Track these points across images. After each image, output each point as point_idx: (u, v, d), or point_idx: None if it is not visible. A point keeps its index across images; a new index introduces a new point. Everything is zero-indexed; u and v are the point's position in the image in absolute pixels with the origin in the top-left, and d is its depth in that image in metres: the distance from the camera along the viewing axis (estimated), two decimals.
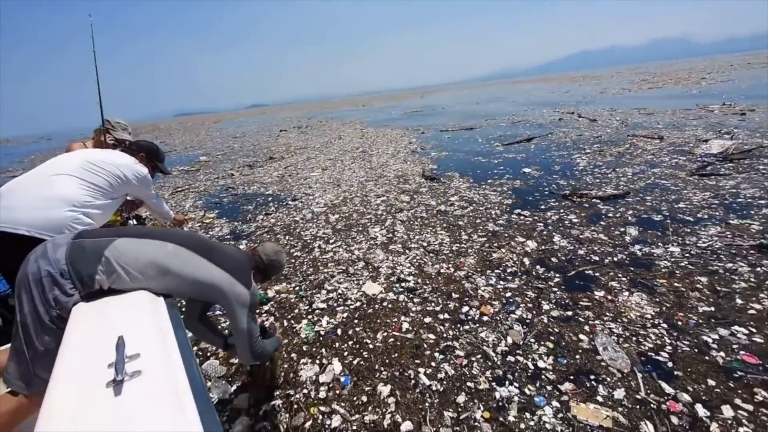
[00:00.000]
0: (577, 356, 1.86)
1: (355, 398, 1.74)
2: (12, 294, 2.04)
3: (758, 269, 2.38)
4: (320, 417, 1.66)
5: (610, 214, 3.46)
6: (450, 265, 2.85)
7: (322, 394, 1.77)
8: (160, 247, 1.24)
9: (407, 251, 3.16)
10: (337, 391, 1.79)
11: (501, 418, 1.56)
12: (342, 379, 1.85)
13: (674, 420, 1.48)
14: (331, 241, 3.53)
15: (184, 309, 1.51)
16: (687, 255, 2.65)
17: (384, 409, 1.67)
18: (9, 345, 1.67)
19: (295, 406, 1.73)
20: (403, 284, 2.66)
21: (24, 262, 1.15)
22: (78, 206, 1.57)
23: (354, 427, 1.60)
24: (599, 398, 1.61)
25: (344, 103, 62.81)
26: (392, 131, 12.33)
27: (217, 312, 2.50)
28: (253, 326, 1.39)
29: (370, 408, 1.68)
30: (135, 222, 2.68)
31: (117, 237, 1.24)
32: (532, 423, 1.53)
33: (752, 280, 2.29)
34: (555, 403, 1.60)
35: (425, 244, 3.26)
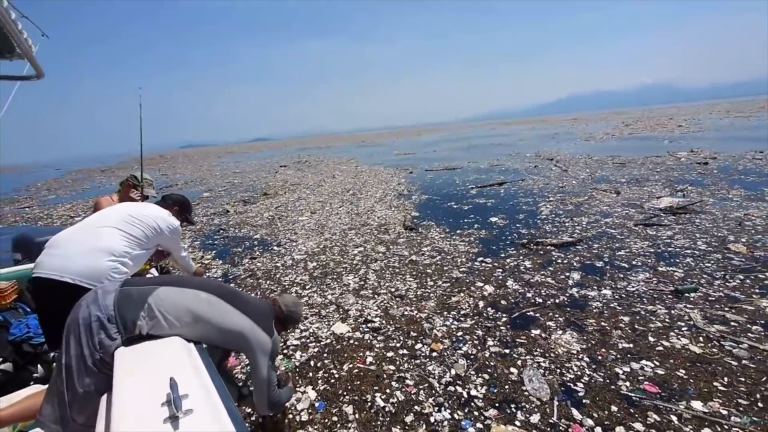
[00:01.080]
0: (506, 386, 2.22)
1: (327, 420, 2.08)
2: (28, 339, 2.20)
3: (672, 311, 2.81)
4: None
5: (560, 260, 3.90)
6: (413, 308, 3.23)
7: (304, 418, 2.11)
8: (195, 296, 1.34)
9: (376, 296, 3.52)
10: (312, 415, 2.12)
11: None
12: (316, 404, 2.20)
13: None
14: (307, 287, 3.88)
15: None
16: (616, 297, 3.07)
17: (348, 426, 2.02)
18: (24, 390, 1.85)
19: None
20: (369, 324, 3.02)
21: (75, 307, 1.25)
22: (117, 256, 1.70)
23: None
24: (517, 422, 1.97)
25: (345, 138, 65.09)
26: (384, 170, 13.04)
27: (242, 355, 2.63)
28: (272, 375, 1.43)
29: (339, 426, 2.03)
30: (157, 272, 2.78)
31: (159, 285, 1.34)
32: None
33: (666, 320, 2.70)
34: (479, 425, 1.96)
35: (393, 290, 3.62)
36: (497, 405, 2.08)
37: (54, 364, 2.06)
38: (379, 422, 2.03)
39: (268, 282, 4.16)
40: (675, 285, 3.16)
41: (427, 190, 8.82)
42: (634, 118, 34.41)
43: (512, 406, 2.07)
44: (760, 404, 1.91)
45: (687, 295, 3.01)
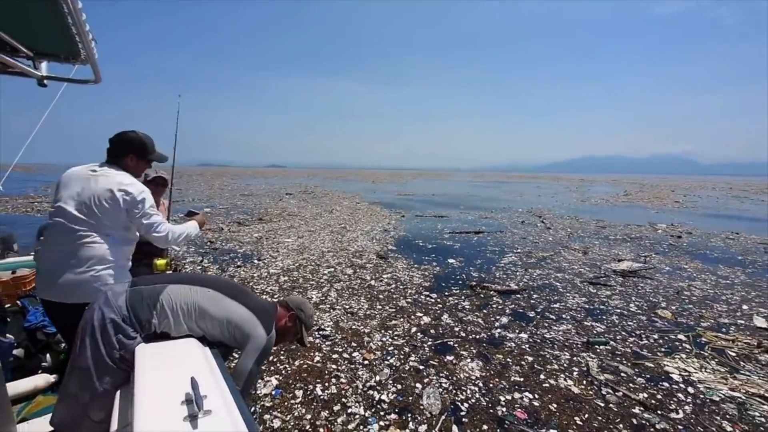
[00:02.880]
0: (410, 397, 2.59)
1: (286, 402, 2.50)
2: (42, 327, 2.28)
3: (574, 358, 3.14)
4: (267, 421, 2.37)
5: (496, 305, 4.27)
6: (360, 324, 3.69)
7: (268, 403, 2.50)
8: (202, 293, 1.40)
9: (332, 310, 4.00)
10: (273, 401, 2.52)
11: (349, 426, 2.30)
12: (273, 392, 2.61)
13: None
14: (274, 297, 4.35)
15: None
16: (530, 341, 3.43)
17: (294, 408, 2.45)
18: (32, 378, 1.95)
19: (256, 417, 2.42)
20: (321, 332, 3.49)
21: (88, 310, 1.30)
22: (98, 266, 1.60)
23: (289, 423, 2.32)
24: (408, 429, 2.31)
25: (358, 174, 67.08)
26: (380, 211, 13.66)
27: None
28: (255, 373, 1.40)
29: (295, 408, 2.45)
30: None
31: (168, 283, 1.40)
32: None
33: (564, 365, 3.04)
34: (382, 423, 2.32)
35: (347, 307, 4.10)
36: (398, 411, 2.45)
37: (63, 354, 2.29)
38: (314, 406, 2.47)
39: None
40: (588, 337, 3.50)
41: (409, 230, 9.34)
42: (639, 186, 35.06)
43: (409, 414, 2.42)
44: None
45: (597, 347, 3.35)
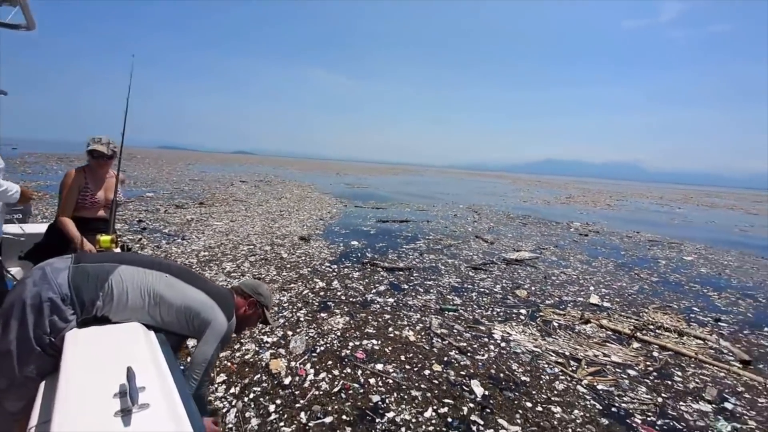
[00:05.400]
0: (284, 340, 3.14)
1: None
2: None
3: (423, 318, 3.78)
4: None
5: (379, 278, 4.89)
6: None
7: None
8: (158, 278, 1.31)
9: (242, 277, 4.54)
10: None
11: (245, 357, 2.78)
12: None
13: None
14: (193, 268, 4.69)
15: None
16: (394, 304, 4.05)
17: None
18: None
19: None
20: None
21: (18, 287, 1.15)
22: None
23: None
24: (283, 361, 2.80)
25: (322, 166, 66.66)
26: (328, 200, 14.08)
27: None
28: (214, 360, 1.37)
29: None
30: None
31: (119, 263, 1.28)
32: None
33: (413, 322, 3.66)
34: (268, 354, 2.80)
35: (257, 274, 4.65)
36: (278, 347, 3.02)
37: None
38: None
39: None
40: (441, 305, 4.18)
41: (343, 219, 9.86)
42: (583, 191, 37.74)
43: (282, 351, 2.97)
44: (408, 366, 2.87)
45: (446, 312, 4.02)
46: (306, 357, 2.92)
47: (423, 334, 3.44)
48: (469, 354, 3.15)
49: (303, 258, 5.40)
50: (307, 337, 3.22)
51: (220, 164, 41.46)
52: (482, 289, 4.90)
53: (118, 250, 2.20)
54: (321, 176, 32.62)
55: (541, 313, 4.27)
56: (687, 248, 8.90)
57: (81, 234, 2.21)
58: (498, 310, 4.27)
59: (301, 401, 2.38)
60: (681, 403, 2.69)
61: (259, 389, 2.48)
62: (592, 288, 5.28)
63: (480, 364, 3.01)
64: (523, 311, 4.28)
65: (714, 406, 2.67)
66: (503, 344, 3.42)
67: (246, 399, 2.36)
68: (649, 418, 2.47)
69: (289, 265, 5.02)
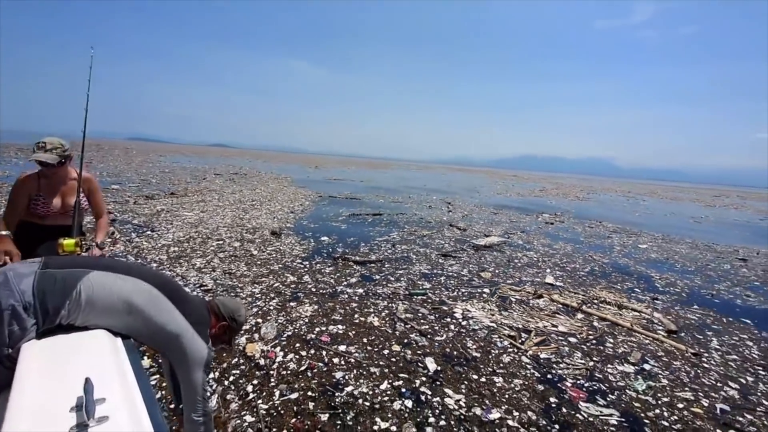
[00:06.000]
0: (255, 326, 3.28)
1: None
2: None
3: (390, 304, 3.99)
4: None
5: (350, 271, 5.05)
6: (235, 281, 4.33)
7: None
8: (135, 285, 1.22)
9: (212, 272, 4.56)
10: None
11: None
12: None
13: None
14: (162, 265, 4.71)
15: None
16: (363, 294, 4.24)
17: None
18: None
19: None
20: (202, 287, 4.07)
21: None
22: None
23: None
24: (258, 344, 2.93)
25: (303, 159, 65.91)
26: (302, 192, 14.09)
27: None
28: (206, 385, 1.35)
29: None
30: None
31: (92, 269, 1.19)
32: None
33: (379, 309, 3.86)
34: (243, 339, 2.92)
35: (227, 270, 4.68)
36: (250, 333, 3.16)
37: None
38: None
39: (132, 258, 4.90)
40: (410, 290, 4.42)
41: (315, 211, 9.93)
42: (557, 185, 39.10)
43: (256, 335, 3.11)
44: (369, 348, 3.08)
45: (415, 297, 4.25)
46: (276, 341, 3.09)
47: (387, 319, 3.66)
48: (428, 336, 3.37)
49: (274, 255, 5.46)
50: (277, 324, 3.37)
51: (196, 156, 40.29)
52: (451, 274, 5.17)
53: (85, 254, 2.07)
54: (299, 169, 32.33)
55: (500, 290, 4.60)
56: (644, 237, 9.53)
57: (40, 240, 2.13)
58: (463, 290, 4.56)
59: (273, 381, 2.56)
60: (608, 366, 3.04)
61: (237, 371, 2.63)
62: (548, 270, 5.66)
63: (437, 344, 3.24)
64: (486, 290, 4.59)
65: (636, 367, 3.03)
66: (464, 322, 3.68)
67: (226, 383, 2.51)
68: (578, 381, 2.79)
69: (259, 262, 5.08)
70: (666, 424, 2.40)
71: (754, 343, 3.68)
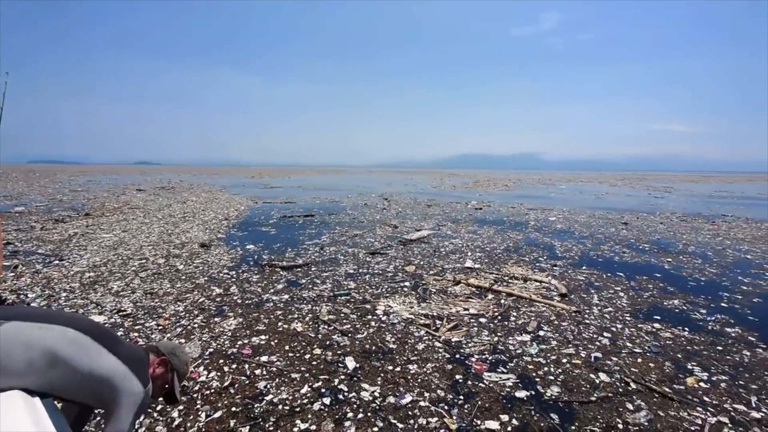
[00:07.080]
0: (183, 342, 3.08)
1: None
2: None
3: (314, 308, 4.01)
4: None
5: (277, 277, 5.02)
6: (157, 301, 4.10)
7: None
8: (61, 334, 1.10)
9: (132, 294, 4.29)
10: None
11: None
12: None
13: None
14: (74, 293, 4.29)
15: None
16: (289, 300, 4.23)
17: None
18: None
19: None
20: (121, 313, 3.77)
21: None
22: None
23: None
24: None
25: (239, 171, 62.78)
26: (237, 199, 13.54)
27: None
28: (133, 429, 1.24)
29: None
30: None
31: (4, 320, 1.05)
32: None
33: (303, 314, 3.86)
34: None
35: (148, 290, 4.42)
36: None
37: None
38: None
39: (44, 291, 4.37)
40: (334, 292, 4.51)
41: (248, 218, 9.67)
42: (488, 178, 41.93)
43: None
44: (291, 354, 3.11)
45: (339, 298, 4.34)
46: (200, 360, 2.99)
47: (311, 323, 3.70)
48: (349, 335, 3.46)
49: (200, 267, 5.25)
50: (201, 342, 3.26)
51: (114, 174, 36.45)
52: (376, 271, 5.34)
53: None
54: (235, 179, 30.82)
55: (424, 282, 4.86)
56: (554, 212, 10.65)
57: None
58: (386, 286, 4.73)
59: (198, 402, 2.48)
60: (510, 338, 3.40)
61: (162, 399, 2.52)
62: (470, 253, 6.11)
63: (357, 342, 3.34)
64: (407, 284, 4.81)
65: (532, 335, 3.44)
66: (384, 318, 3.83)
67: (155, 414, 2.37)
68: (483, 356, 3.10)
69: (184, 277, 4.85)
70: (552, 378, 2.77)
71: (624, 293, 4.38)
